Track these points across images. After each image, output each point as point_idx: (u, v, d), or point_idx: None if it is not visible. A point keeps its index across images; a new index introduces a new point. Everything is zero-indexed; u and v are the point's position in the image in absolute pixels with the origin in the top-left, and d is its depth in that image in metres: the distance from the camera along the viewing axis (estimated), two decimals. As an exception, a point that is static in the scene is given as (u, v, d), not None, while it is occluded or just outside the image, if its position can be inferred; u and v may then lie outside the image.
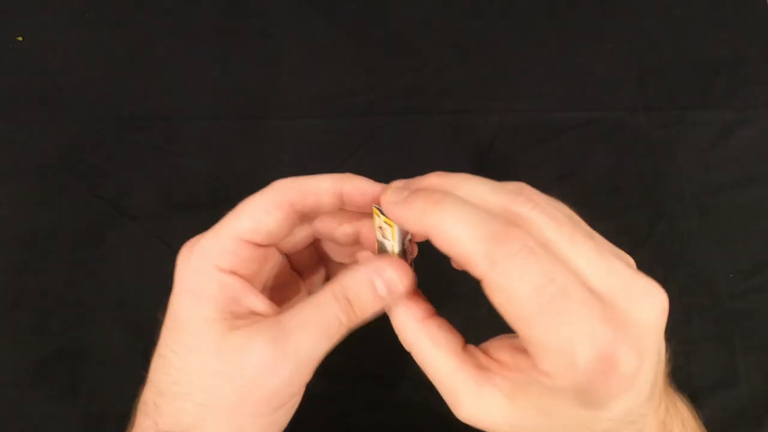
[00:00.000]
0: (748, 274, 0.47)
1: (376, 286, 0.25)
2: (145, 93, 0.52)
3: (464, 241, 0.20)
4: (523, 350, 0.21)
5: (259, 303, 0.25)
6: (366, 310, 0.25)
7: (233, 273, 0.25)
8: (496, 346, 0.24)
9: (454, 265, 0.24)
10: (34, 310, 0.46)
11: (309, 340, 0.24)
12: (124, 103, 0.52)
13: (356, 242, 0.28)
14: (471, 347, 0.25)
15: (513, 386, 0.22)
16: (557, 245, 0.20)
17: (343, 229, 0.28)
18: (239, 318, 0.25)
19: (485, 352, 0.24)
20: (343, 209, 0.27)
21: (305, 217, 0.27)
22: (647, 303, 0.20)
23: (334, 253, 0.31)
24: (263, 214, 0.25)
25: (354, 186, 0.26)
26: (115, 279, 0.46)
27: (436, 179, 0.23)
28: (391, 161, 0.50)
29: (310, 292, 0.31)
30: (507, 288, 0.19)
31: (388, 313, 0.25)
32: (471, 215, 0.20)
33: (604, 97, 0.53)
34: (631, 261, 0.22)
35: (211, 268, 0.25)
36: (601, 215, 0.48)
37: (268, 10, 0.55)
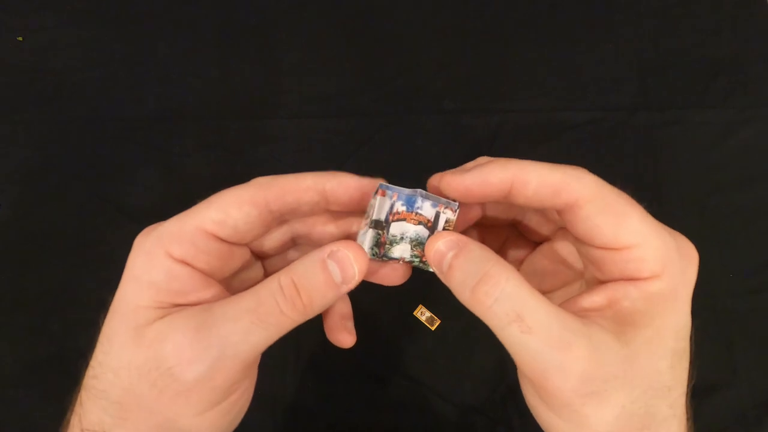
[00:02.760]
0: (748, 274, 0.47)
1: (330, 270, 0.22)
2: (145, 93, 0.52)
3: (551, 172, 0.23)
4: (613, 283, 0.23)
5: (209, 298, 0.23)
6: (315, 297, 0.22)
7: (186, 263, 0.23)
8: (579, 300, 0.23)
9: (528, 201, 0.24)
10: (34, 310, 0.46)
11: (238, 330, 0.21)
12: (124, 103, 0.52)
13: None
14: None
15: (616, 322, 0.22)
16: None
17: (328, 229, 0.26)
18: (176, 307, 0.22)
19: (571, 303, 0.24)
20: (328, 210, 0.25)
21: (284, 217, 0.25)
22: (686, 243, 0.24)
23: None
24: (233, 208, 0.23)
25: (338, 182, 0.24)
26: (115, 279, 0.46)
27: (504, 160, 0.24)
28: (391, 161, 0.50)
29: None
30: (595, 197, 0.23)
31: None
32: (541, 162, 0.23)
33: (604, 97, 0.53)
34: None
35: (162, 253, 0.23)
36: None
37: (268, 10, 0.55)
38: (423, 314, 0.45)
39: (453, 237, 0.23)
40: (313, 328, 0.30)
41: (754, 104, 0.52)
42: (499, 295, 0.21)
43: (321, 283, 0.22)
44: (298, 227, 0.26)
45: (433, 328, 0.45)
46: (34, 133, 0.51)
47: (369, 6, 0.56)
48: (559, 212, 0.24)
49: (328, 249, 0.23)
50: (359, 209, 0.25)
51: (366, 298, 0.44)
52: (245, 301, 0.22)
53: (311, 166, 0.54)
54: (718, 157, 0.51)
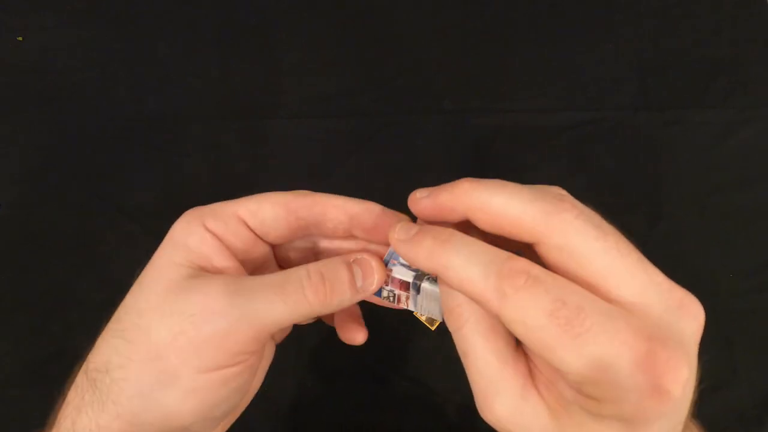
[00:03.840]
0: (748, 274, 0.47)
1: (354, 274, 0.24)
2: (145, 93, 0.52)
3: (473, 280, 0.20)
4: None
5: (230, 267, 0.25)
6: (336, 291, 0.24)
7: (217, 237, 0.25)
8: (539, 361, 0.22)
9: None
10: (34, 311, 0.46)
11: (262, 299, 0.23)
12: (124, 103, 0.52)
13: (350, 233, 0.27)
14: (523, 349, 0.22)
15: (559, 403, 0.21)
16: (595, 256, 0.19)
17: (348, 247, 0.27)
18: (205, 270, 0.25)
19: (533, 360, 0.22)
20: (352, 235, 0.26)
21: (310, 230, 0.26)
22: (685, 314, 0.20)
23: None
24: (266, 204, 0.25)
25: (365, 208, 0.25)
26: (115, 279, 0.46)
27: (468, 185, 0.22)
28: (391, 161, 0.50)
29: None
30: (521, 319, 0.19)
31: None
32: (477, 255, 0.20)
33: (604, 97, 0.53)
34: None
35: (198, 223, 0.25)
36: (601, 215, 0.49)
37: (268, 10, 0.55)
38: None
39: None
40: (314, 327, 0.30)
41: (754, 104, 0.52)
42: (458, 330, 0.23)
43: (344, 280, 0.24)
44: (324, 244, 0.27)
45: (433, 328, 0.45)
46: (34, 133, 0.51)
47: (369, 6, 0.56)
48: None
49: (353, 255, 0.25)
50: (378, 240, 0.26)
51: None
52: (273, 276, 0.24)
53: (312, 166, 0.54)
54: (718, 157, 0.51)
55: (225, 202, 0.26)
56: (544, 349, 0.19)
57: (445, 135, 0.51)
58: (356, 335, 0.28)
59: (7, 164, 0.50)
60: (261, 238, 0.26)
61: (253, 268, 0.27)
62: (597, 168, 0.50)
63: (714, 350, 0.45)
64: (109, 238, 0.47)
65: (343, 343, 0.26)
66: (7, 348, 0.45)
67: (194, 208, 0.26)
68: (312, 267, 0.24)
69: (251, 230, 0.26)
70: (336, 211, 0.25)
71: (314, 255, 0.28)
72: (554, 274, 0.19)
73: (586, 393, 0.19)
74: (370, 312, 0.27)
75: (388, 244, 0.25)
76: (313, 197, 0.25)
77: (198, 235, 0.25)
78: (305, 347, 0.45)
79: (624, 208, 0.49)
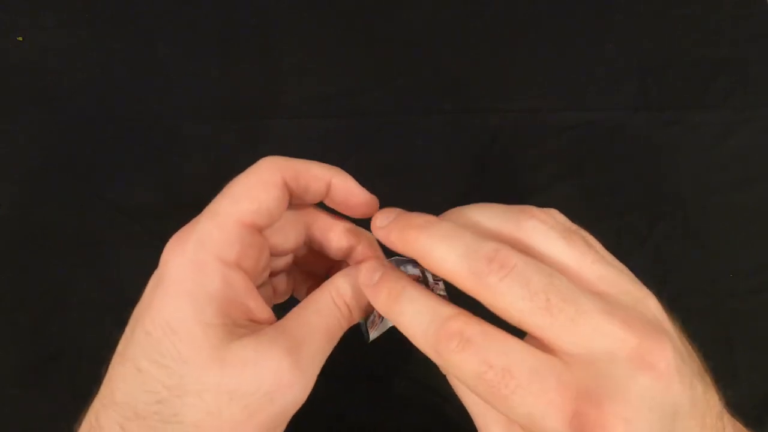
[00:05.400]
0: (748, 274, 0.47)
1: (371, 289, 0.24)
2: (145, 93, 0.52)
3: (417, 338, 0.22)
4: None
5: (258, 307, 0.23)
6: (363, 313, 0.25)
7: (238, 266, 0.22)
8: None
9: None
10: (34, 310, 0.46)
11: (319, 350, 0.23)
12: (124, 103, 0.52)
13: (347, 257, 0.27)
14: None
15: None
16: (523, 316, 0.19)
17: (339, 241, 0.26)
18: (238, 325, 0.22)
19: None
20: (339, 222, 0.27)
21: (292, 199, 0.25)
22: (636, 364, 0.18)
23: (309, 263, 0.30)
24: (262, 193, 0.23)
25: (342, 181, 0.25)
26: (115, 279, 0.46)
27: (414, 233, 0.22)
28: (391, 161, 0.50)
29: (274, 295, 0.29)
30: (457, 377, 0.20)
31: None
32: (421, 314, 0.21)
33: (604, 97, 0.53)
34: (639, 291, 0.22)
35: (214, 260, 0.22)
36: (601, 215, 0.49)
37: (268, 10, 0.55)
38: (423, 314, 0.45)
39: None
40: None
41: (754, 104, 0.52)
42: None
43: (365, 300, 0.25)
44: (313, 230, 0.27)
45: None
46: (34, 133, 0.51)
47: (369, 6, 0.56)
48: None
49: (366, 269, 0.24)
50: (349, 213, 0.26)
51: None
52: (313, 320, 0.23)
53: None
54: (718, 157, 0.51)
55: (211, 213, 0.23)
56: (485, 401, 0.20)
57: (445, 135, 0.51)
58: None
59: (7, 164, 0.50)
60: (265, 229, 0.24)
61: (257, 274, 0.25)
62: (597, 168, 0.50)
63: (714, 350, 0.45)
64: (109, 238, 0.47)
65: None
66: (7, 348, 0.45)
67: (180, 234, 0.23)
68: (336, 297, 0.24)
69: (260, 231, 0.24)
70: (318, 183, 0.25)
71: (304, 241, 0.27)
72: (489, 331, 0.20)
73: None
74: (369, 312, 0.27)
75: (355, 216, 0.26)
76: (293, 166, 0.24)
77: (220, 277, 0.22)
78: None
79: (624, 208, 0.49)
